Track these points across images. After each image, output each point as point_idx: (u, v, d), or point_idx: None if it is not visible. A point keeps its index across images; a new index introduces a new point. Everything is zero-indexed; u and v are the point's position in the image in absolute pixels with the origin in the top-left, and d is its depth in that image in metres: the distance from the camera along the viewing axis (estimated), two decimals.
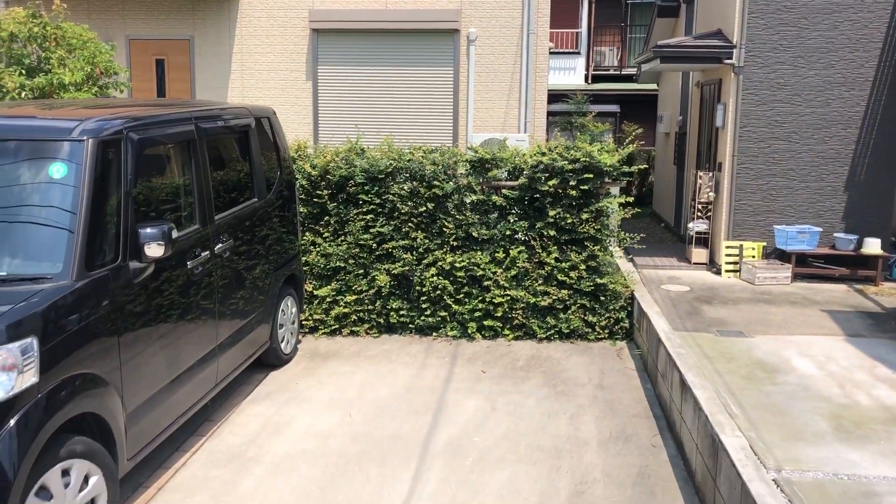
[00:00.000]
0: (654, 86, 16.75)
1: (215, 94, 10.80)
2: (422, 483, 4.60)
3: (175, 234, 4.37)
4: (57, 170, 4.04)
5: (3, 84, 7.50)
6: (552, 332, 7.18)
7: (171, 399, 4.61)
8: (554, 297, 7.12)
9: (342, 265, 7.25)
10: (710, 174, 10.18)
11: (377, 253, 7.25)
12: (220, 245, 5.26)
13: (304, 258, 7.17)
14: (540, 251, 7.14)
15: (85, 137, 4.09)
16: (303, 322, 7.23)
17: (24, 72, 7.77)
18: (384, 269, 7.21)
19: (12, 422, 3.39)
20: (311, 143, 9.94)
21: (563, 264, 7.10)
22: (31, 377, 3.49)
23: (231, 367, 5.51)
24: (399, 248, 7.22)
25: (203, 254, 5.01)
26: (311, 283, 7.30)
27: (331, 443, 5.11)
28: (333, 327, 7.30)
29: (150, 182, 4.74)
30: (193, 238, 4.93)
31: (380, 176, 7.16)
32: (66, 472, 3.66)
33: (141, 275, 4.27)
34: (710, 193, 10.12)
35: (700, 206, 10.27)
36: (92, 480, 3.80)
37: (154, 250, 4.21)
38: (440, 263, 7.16)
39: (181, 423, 4.82)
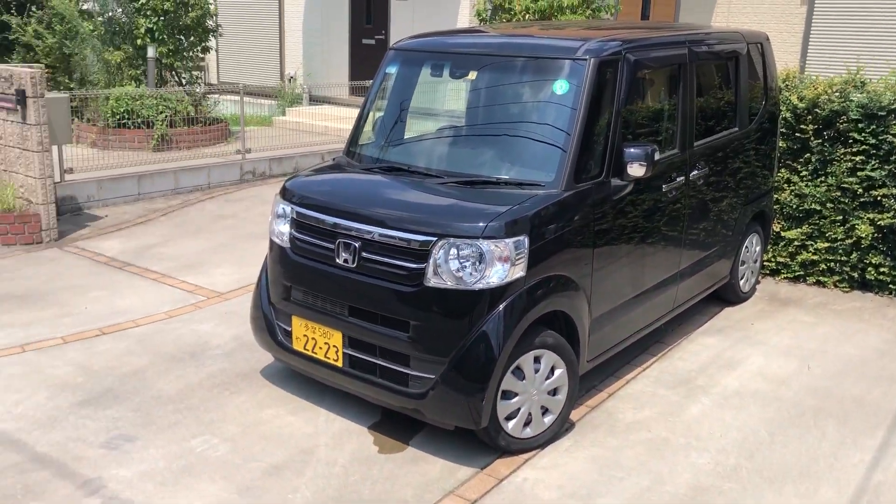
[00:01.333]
0: None
1: (698, 18, 10.57)
2: (889, 457, 4.13)
3: (657, 156, 4.45)
4: (560, 86, 4.38)
5: (511, 6, 8.36)
6: None
7: (630, 314, 4.82)
8: None
9: (817, 208, 6.65)
10: None
11: (862, 199, 6.48)
12: (695, 172, 5.21)
13: (775, 196, 6.76)
14: None
15: (588, 57, 4.34)
16: (764, 263, 6.88)
17: None
18: (868, 217, 6.43)
19: (501, 306, 3.89)
20: (797, 73, 9.20)
21: None
22: (519, 271, 3.93)
23: (688, 295, 5.52)
24: (891, 197, 6.35)
25: (678, 179, 5.03)
26: (779, 222, 6.86)
27: (784, 390, 4.85)
28: (797, 273, 6.80)
29: (638, 103, 4.87)
30: (671, 162, 4.97)
31: (880, 113, 6.31)
32: (537, 360, 4.10)
33: (620, 192, 4.46)
34: None
35: None
36: (557, 372, 4.19)
37: (636, 170, 4.35)
38: None
39: (636, 339, 5.01)
